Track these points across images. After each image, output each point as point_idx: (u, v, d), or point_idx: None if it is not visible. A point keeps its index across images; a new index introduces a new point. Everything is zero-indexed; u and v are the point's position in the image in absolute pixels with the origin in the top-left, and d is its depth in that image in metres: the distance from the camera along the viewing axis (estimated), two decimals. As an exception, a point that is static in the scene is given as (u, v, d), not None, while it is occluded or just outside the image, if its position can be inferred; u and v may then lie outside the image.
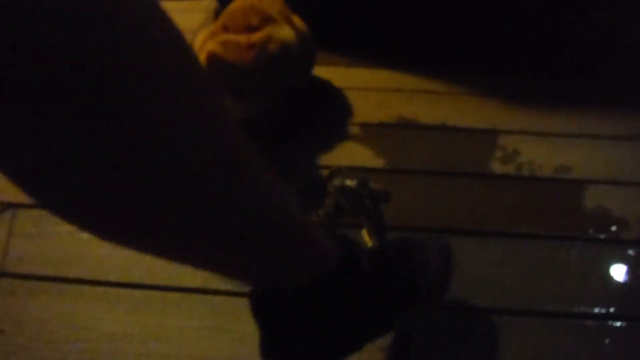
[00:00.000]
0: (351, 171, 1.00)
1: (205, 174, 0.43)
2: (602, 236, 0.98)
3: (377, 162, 1.10)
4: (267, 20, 1.06)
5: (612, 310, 0.88)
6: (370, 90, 1.24)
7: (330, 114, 1.20)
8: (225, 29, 1.06)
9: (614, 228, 0.98)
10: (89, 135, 0.35)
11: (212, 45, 1.03)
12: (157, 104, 0.37)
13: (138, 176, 0.39)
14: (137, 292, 0.92)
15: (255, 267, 0.57)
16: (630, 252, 0.95)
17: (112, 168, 0.38)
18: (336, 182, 0.96)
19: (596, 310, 0.88)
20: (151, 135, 0.38)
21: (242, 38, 1.04)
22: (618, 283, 0.92)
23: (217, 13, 1.35)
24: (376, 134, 1.15)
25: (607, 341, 0.85)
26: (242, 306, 0.90)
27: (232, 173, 0.46)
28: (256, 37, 1.03)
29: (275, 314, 0.63)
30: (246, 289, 0.91)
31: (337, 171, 0.98)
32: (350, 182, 0.94)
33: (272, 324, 0.64)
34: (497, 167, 1.09)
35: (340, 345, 0.68)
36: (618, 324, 0.87)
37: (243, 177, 0.48)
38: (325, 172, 1.07)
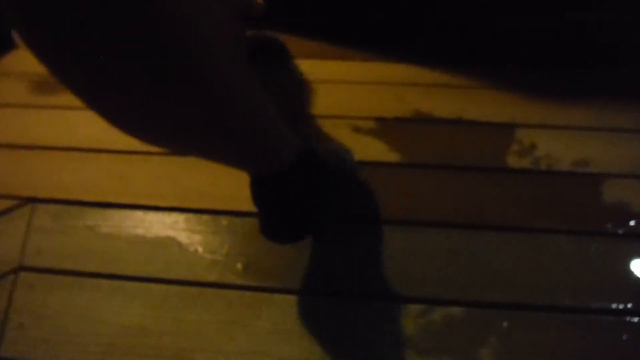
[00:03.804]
0: None
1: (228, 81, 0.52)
2: (621, 231, 0.96)
3: (394, 157, 1.10)
4: None
5: (630, 305, 0.87)
6: (386, 85, 1.24)
7: (346, 108, 1.19)
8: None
9: (632, 222, 0.97)
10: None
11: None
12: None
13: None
14: (154, 287, 0.93)
15: (251, 156, 0.70)
16: (650, 247, 0.94)
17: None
18: None
19: (614, 305, 0.87)
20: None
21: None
22: (637, 278, 0.90)
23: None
24: (392, 128, 1.15)
25: (625, 337, 0.84)
26: (258, 301, 0.91)
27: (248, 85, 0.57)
28: None
29: (268, 194, 0.79)
30: (262, 283, 0.92)
31: None
32: None
33: (266, 202, 0.81)
34: (514, 161, 1.08)
35: (314, 214, 0.88)
36: (636, 319, 0.86)
37: (252, 90, 0.58)
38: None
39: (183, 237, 0.99)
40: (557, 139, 1.11)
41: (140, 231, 1.00)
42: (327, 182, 0.88)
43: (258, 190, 0.80)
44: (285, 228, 0.85)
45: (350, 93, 1.22)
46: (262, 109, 0.63)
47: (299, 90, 1.21)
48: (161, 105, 0.47)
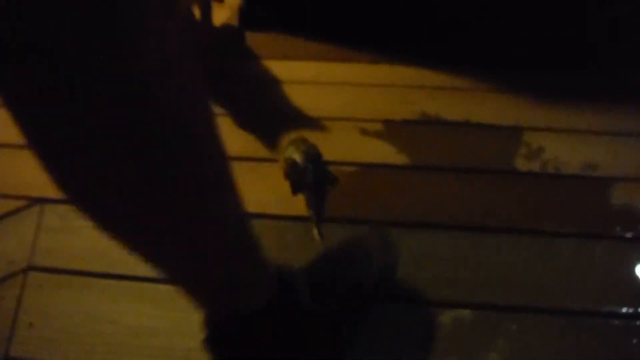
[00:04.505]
0: (307, 144, 1.03)
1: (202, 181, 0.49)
2: (629, 235, 0.96)
3: (401, 159, 1.10)
4: None
5: (639, 309, 0.87)
6: (393, 87, 1.24)
7: (353, 110, 1.19)
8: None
9: (641, 226, 0.97)
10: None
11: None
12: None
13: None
14: (162, 287, 0.93)
15: (215, 285, 0.60)
16: (658, 251, 0.94)
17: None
18: (287, 153, 1.03)
19: (623, 309, 0.87)
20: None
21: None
22: (645, 282, 0.90)
23: (241, 10, 1.35)
24: (399, 131, 1.15)
25: (634, 341, 0.84)
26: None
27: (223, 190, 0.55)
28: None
29: (232, 342, 0.66)
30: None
31: (293, 142, 1.04)
32: (298, 157, 1.01)
33: (229, 353, 0.67)
34: (521, 164, 1.08)
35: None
36: (645, 323, 0.86)
37: (229, 197, 0.56)
38: (347, 168, 1.07)
39: (191, 238, 0.99)
40: (563, 142, 1.11)
41: (148, 232, 1.00)
42: (311, 318, 0.72)
43: (218, 334, 0.66)
44: None
45: (356, 95, 1.22)
46: (226, 183, 0.55)
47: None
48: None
